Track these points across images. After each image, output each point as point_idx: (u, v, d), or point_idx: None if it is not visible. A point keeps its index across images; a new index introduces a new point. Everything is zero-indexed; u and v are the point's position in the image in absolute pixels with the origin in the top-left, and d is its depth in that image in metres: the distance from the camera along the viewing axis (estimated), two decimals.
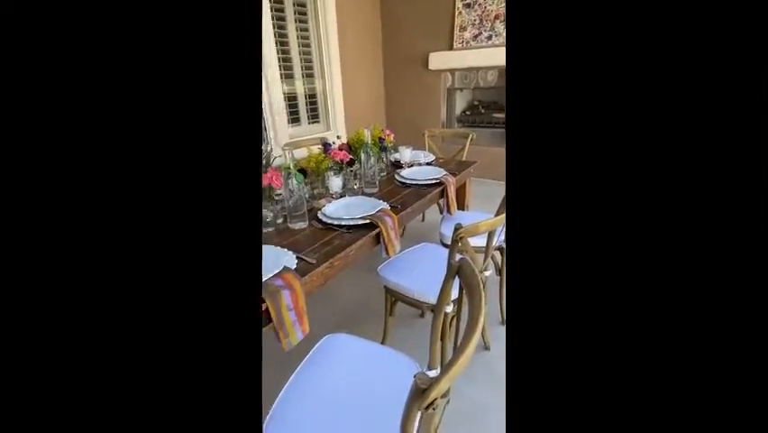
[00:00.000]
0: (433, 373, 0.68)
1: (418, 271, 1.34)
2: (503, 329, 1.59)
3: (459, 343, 1.42)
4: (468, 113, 3.73)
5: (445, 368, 0.51)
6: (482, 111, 3.63)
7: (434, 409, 0.50)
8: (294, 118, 3.04)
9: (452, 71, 3.48)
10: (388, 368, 0.93)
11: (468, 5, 3.17)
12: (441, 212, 2.08)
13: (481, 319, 0.59)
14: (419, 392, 0.49)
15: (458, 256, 0.92)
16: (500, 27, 3.07)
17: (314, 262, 1.01)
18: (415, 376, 0.51)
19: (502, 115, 3.49)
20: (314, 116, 3.23)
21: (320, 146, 1.63)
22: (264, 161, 1.25)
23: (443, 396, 0.60)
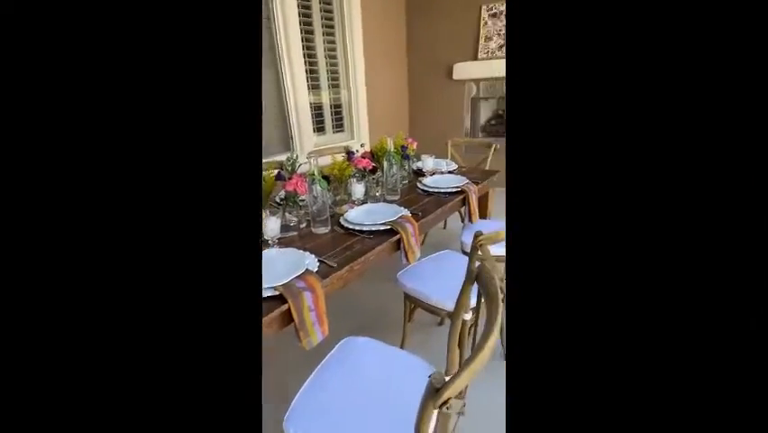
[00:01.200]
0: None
1: (438, 277, 1.34)
2: None
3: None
4: (493, 122, 3.71)
5: (461, 368, 0.52)
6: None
7: (447, 408, 0.51)
8: (319, 127, 3.13)
9: (476, 81, 3.49)
10: (406, 371, 0.94)
11: (493, 15, 3.19)
12: (462, 220, 2.07)
13: (498, 324, 0.60)
14: (433, 391, 0.50)
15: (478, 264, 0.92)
16: None
17: (335, 265, 1.04)
18: (430, 376, 0.52)
19: None
20: (338, 125, 3.31)
21: (344, 154, 1.68)
22: (290, 168, 1.30)
23: (459, 397, 0.61)
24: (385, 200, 1.59)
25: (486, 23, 3.25)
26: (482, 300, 0.84)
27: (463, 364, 0.52)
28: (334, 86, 3.18)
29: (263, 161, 2.37)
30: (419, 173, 1.99)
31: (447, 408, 0.50)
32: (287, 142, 2.79)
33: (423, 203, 1.57)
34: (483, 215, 2.05)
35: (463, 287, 0.85)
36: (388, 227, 1.26)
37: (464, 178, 1.80)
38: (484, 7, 3.21)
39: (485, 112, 3.72)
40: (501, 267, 1.26)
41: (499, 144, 2.46)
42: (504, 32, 3.17)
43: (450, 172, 2.00)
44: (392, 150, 1.60)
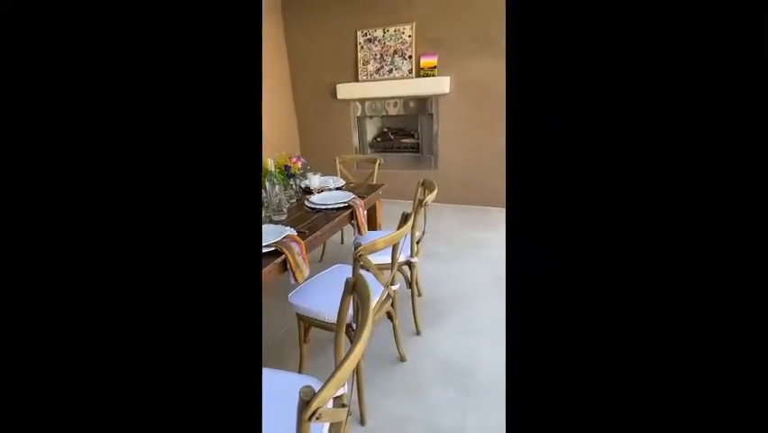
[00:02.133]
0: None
1: (327, 293, 1.35)
2: (419, 340, 1.67)
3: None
4: (378, 139, 3.94)
5: (328, 378, 0.54)
6: (391, 137, 3.87)
7: (318, 418, 0.52)
8: None
9: (361, 101, 3.67)
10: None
11: (369, 41, 3.42)
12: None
13: (366, 329, 0.64)
14: (303, 404, 0.51)
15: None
16: (399, 61, 3.35)
17: None
18: (300, 390, 0.53)
19: (409, 141, 3.76)
20: None
21: None
22: None
23: (343, 406, 0.63)
24: (271, 221, 1.55)
25: (362, 47, 3.46)
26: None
27: (332, 374, 0.55)
28: None
29: None
30: (308, 191, 2.00)
31: (317, 418, 0.52)
32: None
33: (310, 220, 1.57)
34: (373, 226, 2.15)
35: (342, 299, 0.88)
36: (273, 249, 1.23)
37: (351, 193, 1.87)
38: (359, 32, 3.43)
39: (371, 129, 3.93)
40: (387, 274, 1.34)
41: (383, 159, 2.62)
42: (379, 56, 3.42)
43: (338, 189, 2.05)
44: (273, 170, 1.57)
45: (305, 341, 1.37)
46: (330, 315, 1.25)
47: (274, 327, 1.81)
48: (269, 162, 1.60)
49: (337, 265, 1.59)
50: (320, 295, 1.34)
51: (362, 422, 1.25)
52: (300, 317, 1.34)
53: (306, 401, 0.51)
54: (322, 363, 1.52)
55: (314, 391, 0.52)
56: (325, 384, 0.52)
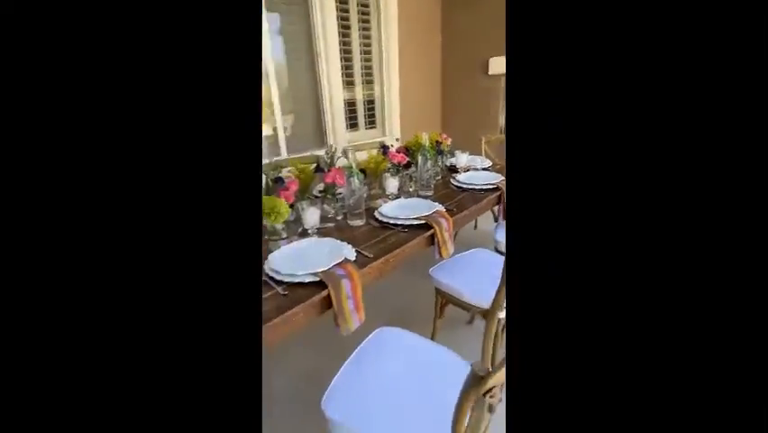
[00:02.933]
0: None
1: (470, 274, 1.34)
2: None
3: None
4: None
5: (504, 360, 0.53)
6: None
7: (491, 396, 0.51)
8: (352, 123, 3.16)
9: None
10: (439, 363, 0.95)
11: None
12: (495, 220, 2.05)
13: None
14: (477, 379, 0.51)
15: None
16: None
17: (371, 256, 1.07)
18: (472, 364, 0.53)
19: None
20: (371, 122, 3.34)
21: (379, 149, 1.70)
22: (329, 161, 1.34)
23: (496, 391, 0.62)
24: (419, 195, 1.60)
25: None
26: None
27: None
28: (368, 82, 3.20)
29: (299, 155, 2.44)
30: (453, 169, 1.98)
31: (491, 396, 0.51)
32: (321, 138, 2.85)
33: (457, 199, 1.56)
34: None
35: (501, 286, 0.85)
36: (423, 222, 1.27)
37: (500, 175, 1.77)
38: None
39: None
40: None
41: None
42: None
43: (484, 169, 1.98)
44: (427, 145, 1.60)
45: (440, 316, 1.40)
46: (470, 295, 1.24)
47: (406, 296, 1.91)
48: (423, 137, 1.63)
49: (478, 249, 1.56)
50: (464, 275, 1.34)
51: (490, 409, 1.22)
52: (439, 292, 1.37)
53: (480, 376, 0.51)
54: (451, 337, 1.55)
55: (488, 368, 0.52)
56: (501, 365, 0.51)
